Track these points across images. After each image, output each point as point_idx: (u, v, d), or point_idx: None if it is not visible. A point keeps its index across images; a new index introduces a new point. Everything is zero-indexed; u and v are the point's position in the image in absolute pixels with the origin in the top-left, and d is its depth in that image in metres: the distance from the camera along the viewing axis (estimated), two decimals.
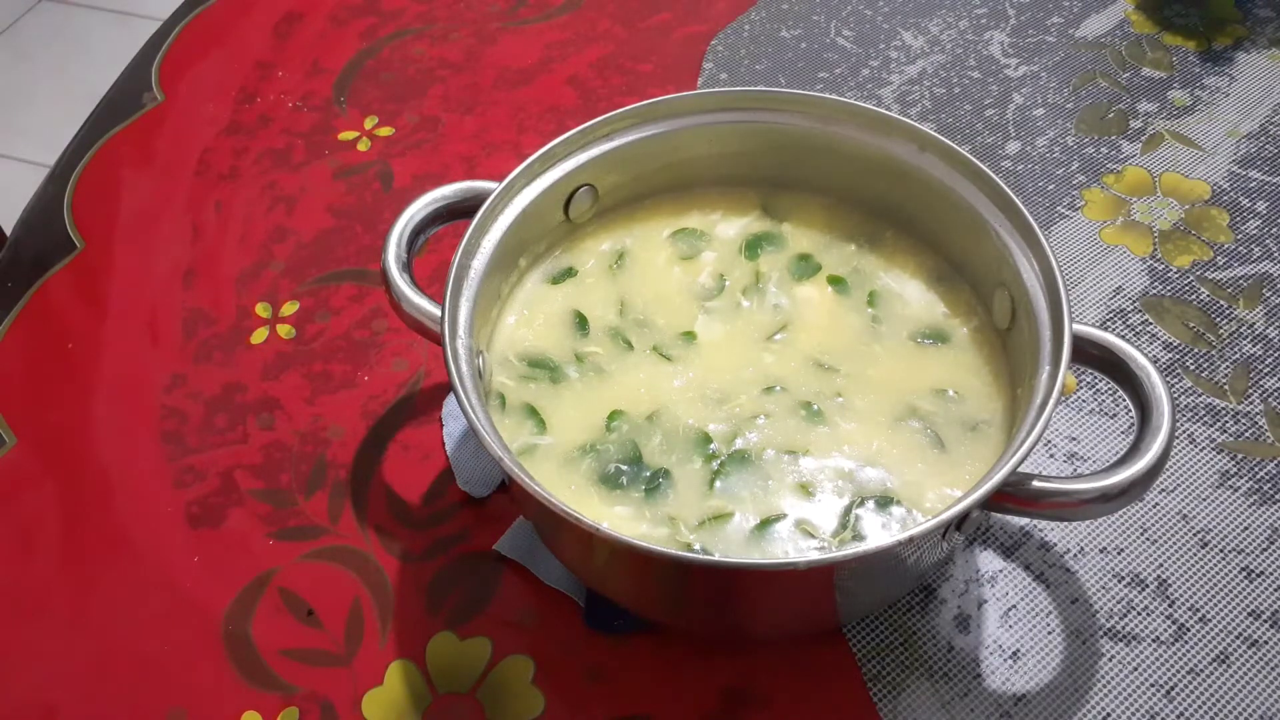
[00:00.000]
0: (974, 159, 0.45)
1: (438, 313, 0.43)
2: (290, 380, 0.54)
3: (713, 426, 0.44)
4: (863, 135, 0.48)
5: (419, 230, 0.46)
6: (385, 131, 0.65)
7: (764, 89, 0.49)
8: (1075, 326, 0.40)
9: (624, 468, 0.43)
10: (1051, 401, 0.38)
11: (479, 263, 0.45)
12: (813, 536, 0.41)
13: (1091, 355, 0.42)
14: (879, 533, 0.41)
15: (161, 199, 0.63)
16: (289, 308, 0.57)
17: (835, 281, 0.49)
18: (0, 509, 0.51)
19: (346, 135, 0.65)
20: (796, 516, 0.41)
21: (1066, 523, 0.48)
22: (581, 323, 0.48)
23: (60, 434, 0.53)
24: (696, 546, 0.41)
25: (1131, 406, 0.41)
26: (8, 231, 0.74)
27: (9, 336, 0.57)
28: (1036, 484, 0.39)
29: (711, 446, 0.43)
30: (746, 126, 0.49)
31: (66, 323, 0.58)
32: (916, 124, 0.46)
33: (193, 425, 0.53)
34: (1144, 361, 0.41)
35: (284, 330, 0.56)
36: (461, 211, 0.47)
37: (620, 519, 0.42)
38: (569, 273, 0.49)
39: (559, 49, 0.70)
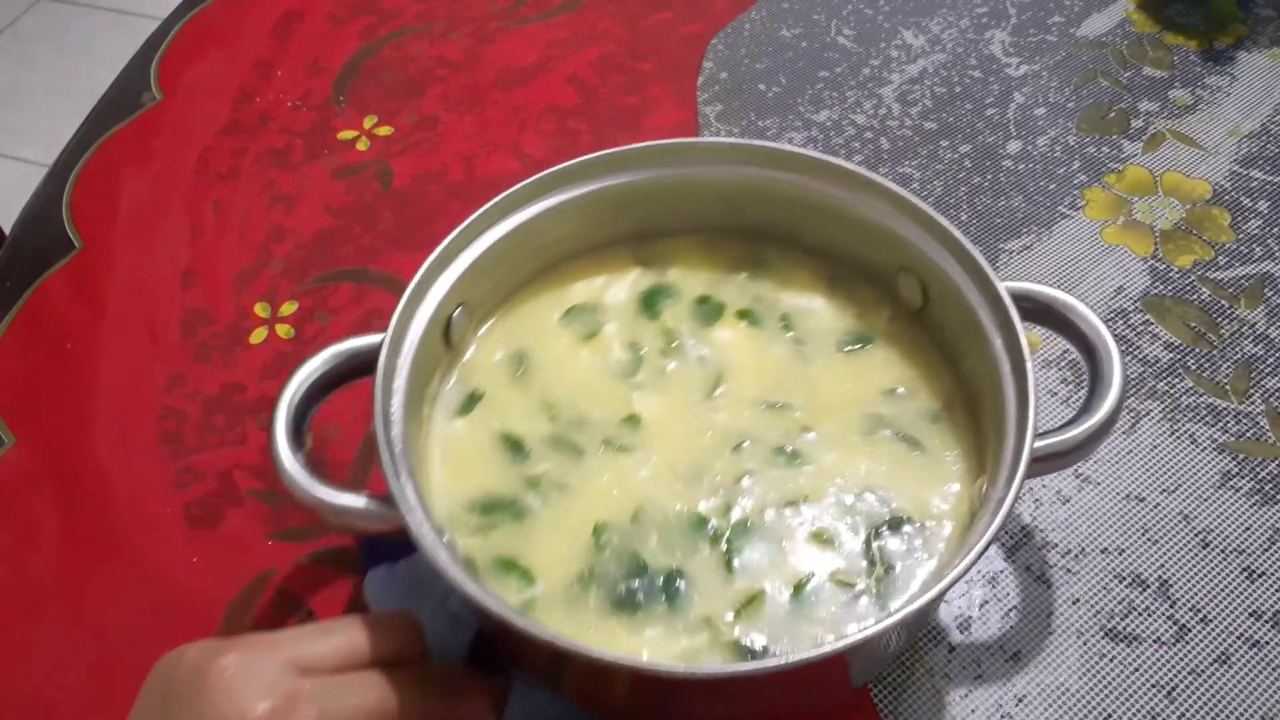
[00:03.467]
0: (828, 158, 0.45)
1: (360, 503, 0.38)
2: None
3: (702, 505, 0.42)
4: (718, 168, 0.46)
5: (303, 411, 0.41)
6: (384, 131, 0.65)
7: (612, 151, 0.46)
8: (1008, 284, 0.41)
9: (634, 584, 0.40)
10: (1029, 366, 0.39)
11: (397, 431, 0.39)
12: (850, 586, 0.40)
13: (1028, 310, 0.42)
14: (905, 557, 0.40)
15: (160, 198, 0.63)
16: (288, 308, 0.57)
17: (744, 315, 0.47)
18: (0, 509, 0.51)
19: (345, 135, 0.65)
20: (826, 571, 0.40)
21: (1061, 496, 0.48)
22: (515, 445, 0.44)
23: (60, 434, 0.53)
24: (745, 641, 0.38)
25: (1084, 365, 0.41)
26: (6, 231, 0.74)
27: (8, 336, 0.57)
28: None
29: (710, 527, 0.41)
30: (605, 193, 0.46)
31: (65, 322, 0.58)
32: (766, 144, 0.46)
33: (192, 425, 0.53)
34: (1085, 310, 0.41)
35: (283, 330, 0.56)
36: (349, 374, 0.41)
37: (655, 643, 0.38)
38: (474, 399, 0.45)
39: (559, 48, 0.70)
